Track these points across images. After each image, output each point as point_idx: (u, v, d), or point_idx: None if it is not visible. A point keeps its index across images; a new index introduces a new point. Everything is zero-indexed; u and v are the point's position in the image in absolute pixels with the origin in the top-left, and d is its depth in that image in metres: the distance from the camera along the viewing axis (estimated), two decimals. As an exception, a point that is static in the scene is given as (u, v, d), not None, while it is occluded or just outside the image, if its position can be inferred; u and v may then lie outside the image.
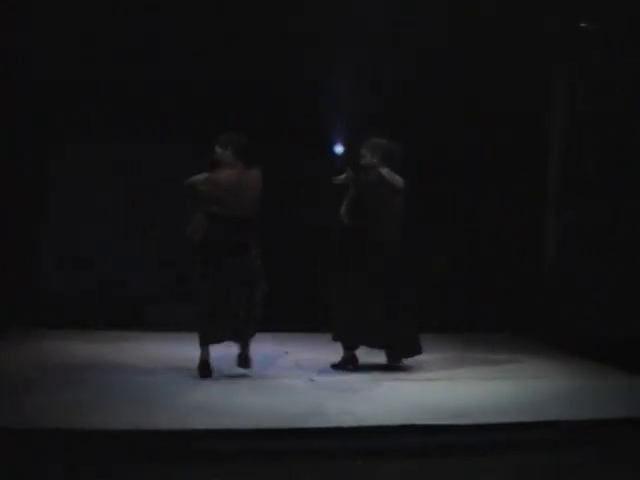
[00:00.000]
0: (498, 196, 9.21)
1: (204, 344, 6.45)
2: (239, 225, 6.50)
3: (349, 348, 6.88)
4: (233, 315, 6.40)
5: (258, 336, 6.62)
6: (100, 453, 4.50)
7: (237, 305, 6.41)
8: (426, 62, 8.64)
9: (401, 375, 6.73)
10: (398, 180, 6.80)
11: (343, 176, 6.92)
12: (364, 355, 7.04)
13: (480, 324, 8.89)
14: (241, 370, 6.53)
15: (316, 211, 9.16)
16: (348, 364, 6.86)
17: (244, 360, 6.50)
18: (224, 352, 6.66)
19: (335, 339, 6.90)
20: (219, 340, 6.49)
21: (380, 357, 7.03)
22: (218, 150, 6.75)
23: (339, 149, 9.59)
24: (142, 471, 4.37)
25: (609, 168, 7.91)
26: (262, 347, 6.75)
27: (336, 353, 6.98)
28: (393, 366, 6.90)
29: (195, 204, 6.70)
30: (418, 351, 6.89)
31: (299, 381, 6.39)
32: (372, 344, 6.92)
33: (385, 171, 6.77)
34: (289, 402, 5.63)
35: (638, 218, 7.56)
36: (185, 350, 7.51)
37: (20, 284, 8.70)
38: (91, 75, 8.65)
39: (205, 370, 6.42)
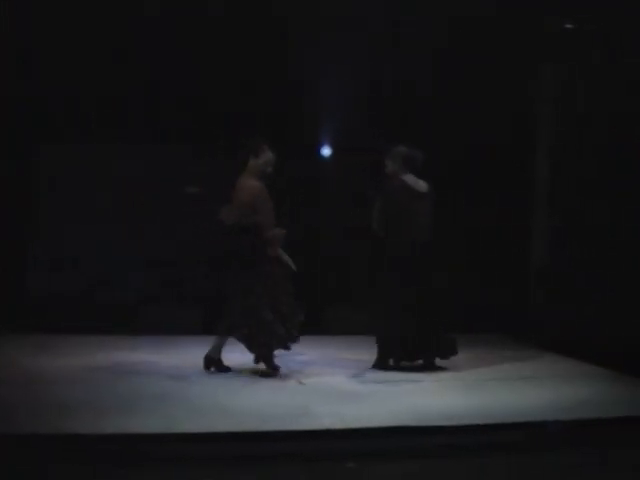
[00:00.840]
0: (498, 196, 9.21)
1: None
2: (229, 233, 6.51)
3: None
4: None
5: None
6: (91, 457, 4.48)
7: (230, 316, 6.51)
8: (426, 62, 8.65)
9: (390, 377, 6.72)
10: (421, 185, 7.00)
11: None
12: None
13: (478, 325, 8.88)
14: (232, 372, 6.63)
15: (316, 211, 9.18)
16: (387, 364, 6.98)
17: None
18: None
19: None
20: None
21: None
22: None
23: (326, 151, 9.63)
24: (134, 475, 4.35)
25: (609, 168, 7.91)
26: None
27: (326, 356, 6.99)
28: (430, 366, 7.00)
29: None
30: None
31: (289, 383, 6.38)
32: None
33: (407, 177, 6.99)
34: (279, 404, 5.61)
35: (638, 218, 7.56)
36: (175, 353, 7.55)
37: (11, 287, 8.71)
38: (91, 76, 8.66)
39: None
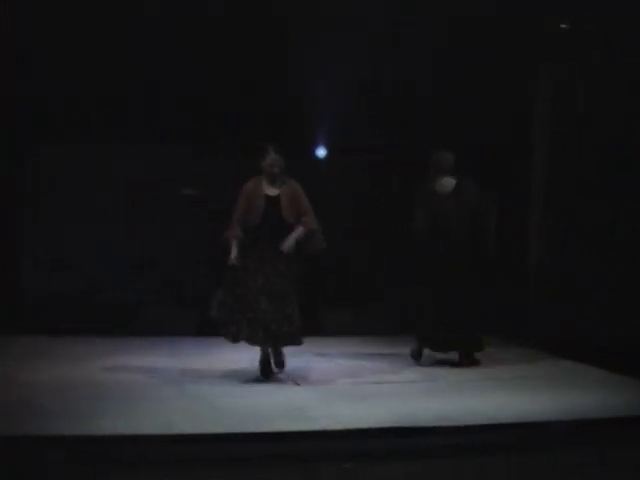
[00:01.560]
0: (498, 196, 9.18)
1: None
2: None
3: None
4: None
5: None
6: (90, 458, 4.47)
7: None
8: (426, 62, 8.64)
9: (387, 377, 6.72)
10: (445, 186, 7.32)
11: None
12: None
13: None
14: (224, 374, 6.60)
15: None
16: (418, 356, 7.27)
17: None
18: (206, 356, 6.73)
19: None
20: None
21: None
22: None
23: (321, 152, 9.65)
24: (131, 476, 4.34)
25: (609, 168, 7.90)
26: (249, 350, 6.62)
27: (323, 357, 6.96)
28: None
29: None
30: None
31: (285, 384, 6.37)
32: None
33: (437, 180, 7.33)
34: (275, 405, 5.61)
35: (638, 218, 7.55)
36: (169, 354, 7.56)
37: (10, 287, 8.71)
38: (91, 76, 8.65)
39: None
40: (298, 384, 6.37)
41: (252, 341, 6.38)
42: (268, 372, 6.49)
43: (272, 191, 6.63)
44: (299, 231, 6.54)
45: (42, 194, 9.25)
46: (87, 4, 8.20)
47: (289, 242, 6.44)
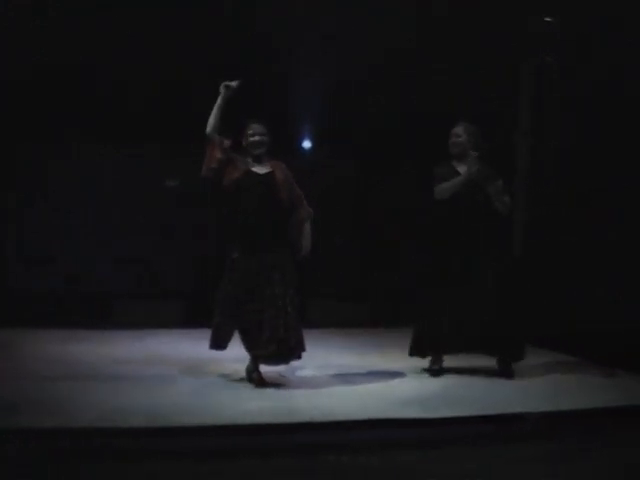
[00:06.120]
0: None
1: None
2: None
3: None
4: None
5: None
6: (81, 451, 4.46)
7: None
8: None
9: (374, 368, 6.72)
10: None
11: None
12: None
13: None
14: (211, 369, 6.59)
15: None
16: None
17: None
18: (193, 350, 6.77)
19: None
20: None
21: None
22: None
23: (307, 144, 9.70)
24: (121, 470, 4.32)
25: (594, 163, 7.92)
26: (234, 343, 6.42)
27: (308, 348, 7.02)
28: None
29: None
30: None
31: (270, 376, 6.24)
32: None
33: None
34: (259, 398, 5.60)
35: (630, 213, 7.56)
36: (154, 348, 7.58)
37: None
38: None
39: None
40: (284, 376, 6.37)
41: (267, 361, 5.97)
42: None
43: (261, 169, 5.79)
44: (307, 227, 5.78)
45: (26, 190, 9.34)
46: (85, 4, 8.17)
47: (307, 244, 5.74)
